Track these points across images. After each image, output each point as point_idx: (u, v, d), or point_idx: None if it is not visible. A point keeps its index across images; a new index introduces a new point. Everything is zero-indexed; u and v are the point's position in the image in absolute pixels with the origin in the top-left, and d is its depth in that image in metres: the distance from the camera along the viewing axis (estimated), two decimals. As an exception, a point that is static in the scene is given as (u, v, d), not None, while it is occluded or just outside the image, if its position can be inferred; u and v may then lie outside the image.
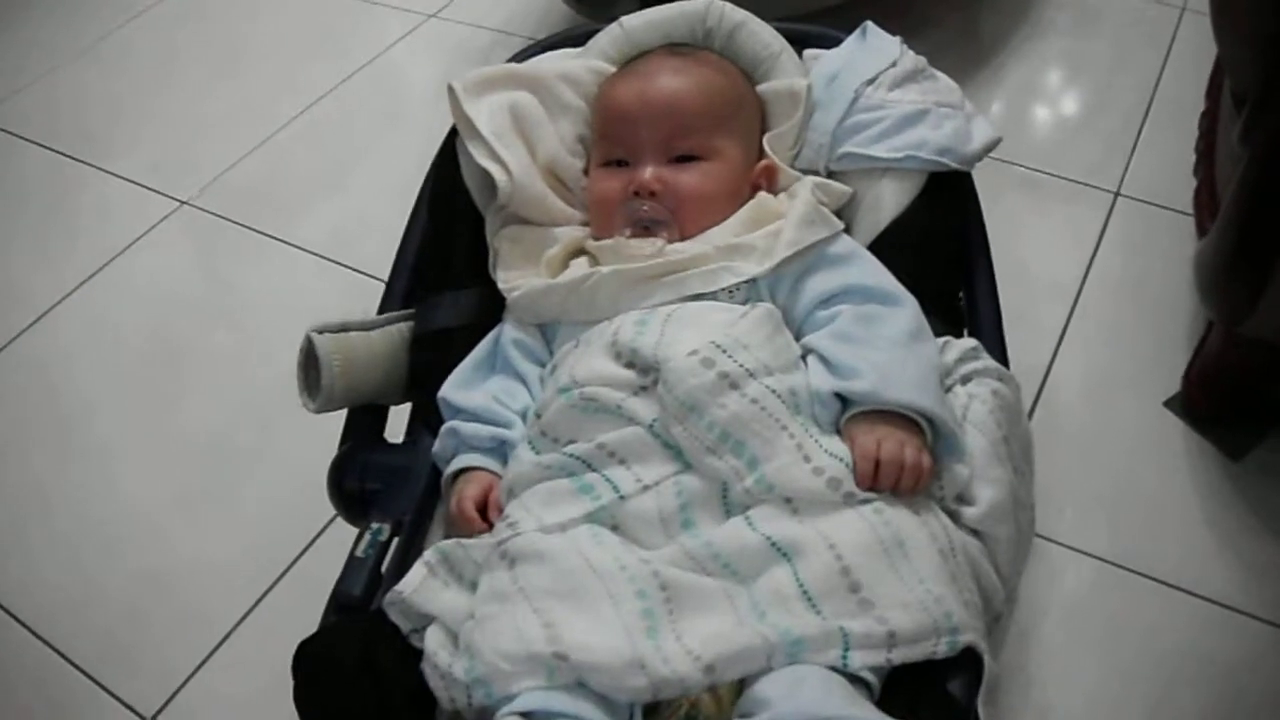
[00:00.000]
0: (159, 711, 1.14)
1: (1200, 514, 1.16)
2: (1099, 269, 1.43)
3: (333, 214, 1.72)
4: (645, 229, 0.88)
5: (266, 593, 1.23)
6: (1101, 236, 1.47)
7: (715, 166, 0.91)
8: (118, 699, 1.15)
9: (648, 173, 0.89)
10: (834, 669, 0.66)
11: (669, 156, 0.90)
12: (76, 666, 1.19)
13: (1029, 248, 1.43)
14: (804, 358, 0.81)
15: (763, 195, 0.92)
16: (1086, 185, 1.55)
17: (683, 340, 0.78)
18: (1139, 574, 1.11)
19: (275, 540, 1.27)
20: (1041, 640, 1.07)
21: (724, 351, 0.76)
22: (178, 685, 1.15)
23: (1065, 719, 1.02)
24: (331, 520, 1.25)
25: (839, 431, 0.78)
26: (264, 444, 1.39)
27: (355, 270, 1.58)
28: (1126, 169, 1.57)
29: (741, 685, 0.68)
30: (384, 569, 0.83)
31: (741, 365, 0.76)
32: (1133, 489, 1.19)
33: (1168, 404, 1.26)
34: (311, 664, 0.74)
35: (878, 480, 0.73)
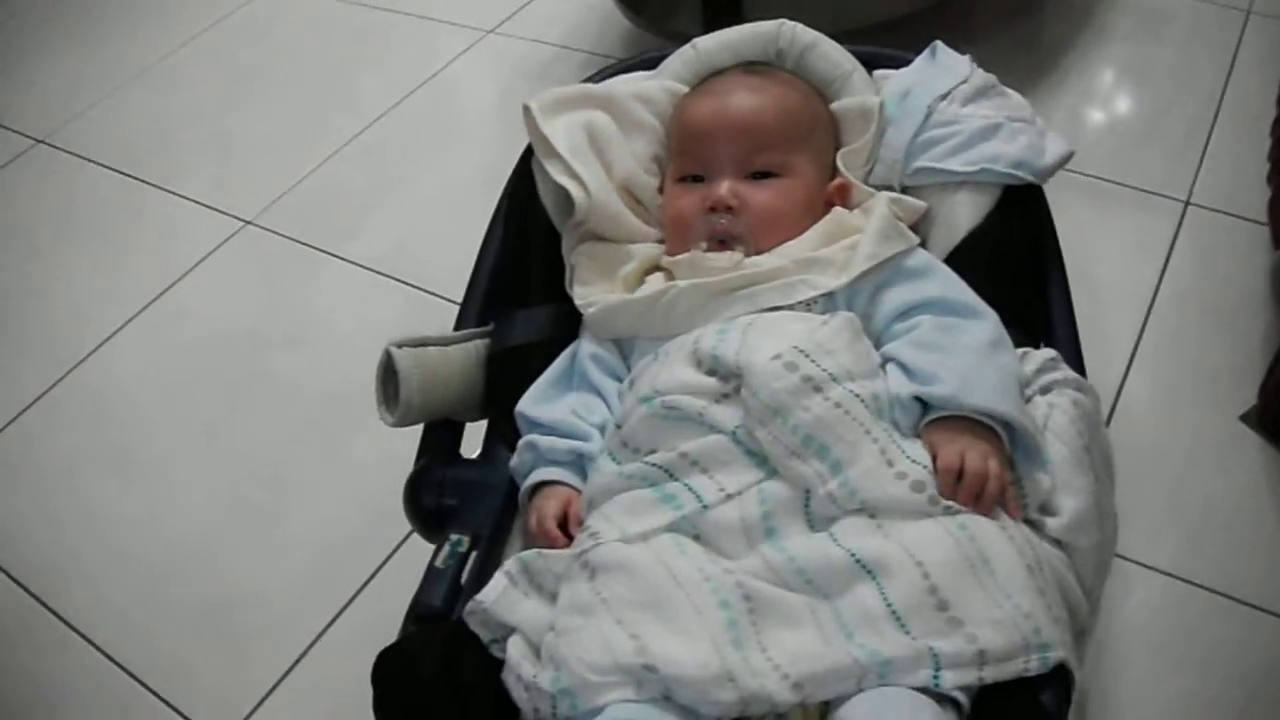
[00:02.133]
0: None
1: (1277, 530, 1.14)
2: (1171, 280, 1.41)
3: (394, 230, 1.74)
4: (722, 243, 0.89)
5: (337, 616, 1.23)
6: (1172, 247, 1.45)
7: (791, 183, 0.91)
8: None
9: (724, 188, 0.90)
10: (924, 689, 0.66)
11: (745, 173, 0.91)
12: (148, 688, 1.20)
13: (1098, 259, 1.40)
14: (883, 366, 0.81)
15: (838, 210, 0.92)
16: (1155, 194, 1.53)
17: (764, 347, 0.78)
18: (1215, 592, 1.10)
19: (342, 564, 1.27)
20: (1116, 657, 1.06)
21: (807, 356, 0.77)
22: (249, 710, 1.16)
23: (1141, 737, 1.01)
24: (401, 543, 1.26)
25: (918, 437, 0.77)
26: (328, 466, 1.39)
27: (417, 287, 1.59)
28: (1196, 177, 1.54)
29: (826, 704, 0.68)
30: (463, 581, 0.84)
31: (824, 369, 0.76)
32: (1208, 505, 1.17)
33: (1243, 418, 1.24)
34: (392, 673, 0.74)
35: (960, 492, 0.73)
